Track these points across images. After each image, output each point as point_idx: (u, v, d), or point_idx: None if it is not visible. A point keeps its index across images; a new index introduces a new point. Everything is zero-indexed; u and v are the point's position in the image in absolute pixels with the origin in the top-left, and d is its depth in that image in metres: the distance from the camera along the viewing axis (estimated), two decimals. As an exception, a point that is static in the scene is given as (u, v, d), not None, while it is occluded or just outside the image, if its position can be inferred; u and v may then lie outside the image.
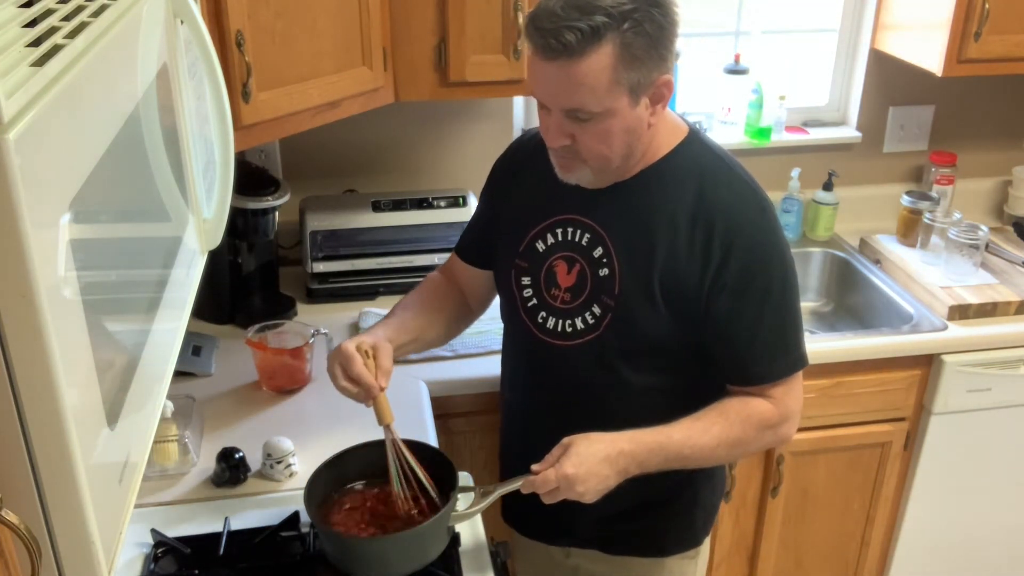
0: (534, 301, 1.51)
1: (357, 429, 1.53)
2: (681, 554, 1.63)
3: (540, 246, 1.50)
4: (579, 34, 1.22)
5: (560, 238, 1.48)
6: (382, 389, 1.38)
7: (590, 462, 1.31)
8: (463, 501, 1.41)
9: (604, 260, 1.43)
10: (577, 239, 1.46)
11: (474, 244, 1.67)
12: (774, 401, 1.43)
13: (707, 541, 1.67)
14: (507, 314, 1.59)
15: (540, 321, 1.50)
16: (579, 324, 1.46)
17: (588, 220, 1.45)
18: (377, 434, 1.43)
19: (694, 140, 1.46)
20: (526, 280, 1.51)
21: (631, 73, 1.27)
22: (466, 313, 1.70)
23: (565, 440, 1.33)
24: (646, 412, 1.39)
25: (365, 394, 1.39)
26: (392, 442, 1.40)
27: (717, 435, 1.39)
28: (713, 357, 1.44)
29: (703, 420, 1.40)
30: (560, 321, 1.48)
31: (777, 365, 1.43)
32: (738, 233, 1.38)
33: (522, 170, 1.57)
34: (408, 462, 1.40)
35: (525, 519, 1.71)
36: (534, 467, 1.33)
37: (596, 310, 1.44)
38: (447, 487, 1.42)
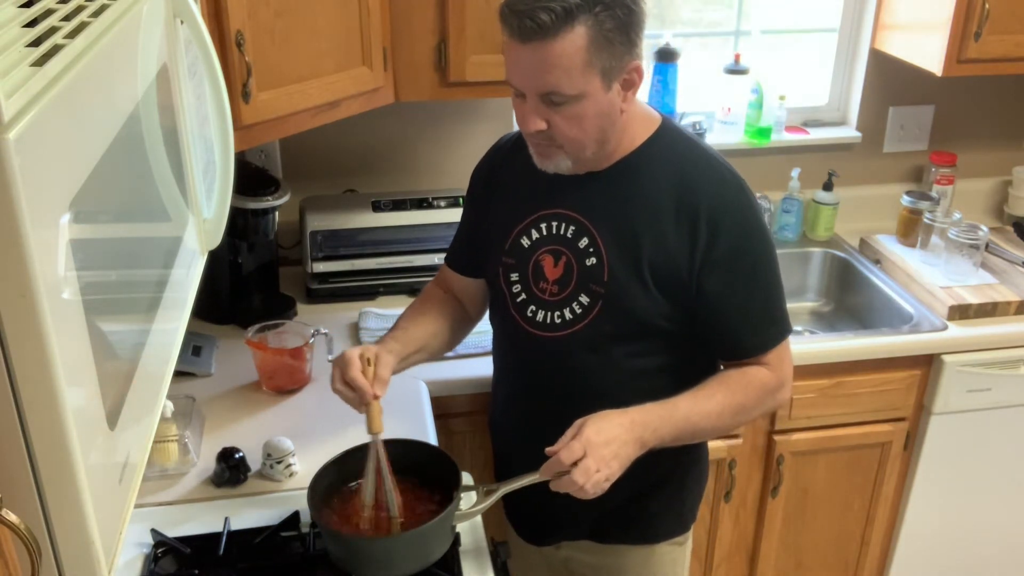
0: (523, 296, 1.53)
1: (357, 429, 1.52)
2: (670, 540, 1.65)
3: (525, 242, 1.52)
4: (553, 15, 1.25)
5: (545, 232, 1.50)
6: (376, 397, 1.40)
7: (608, 427, 1.33)
8: (465, 501, 1.41)
9: (591, 250, 1.46)
10: (562, 232, 1.48)
11: (462, 254, 1.69)
12: (770, 367, 1.48)
13: (692, 527, 1.70)
14: (497, 312, 1.61)
15: (529, 315, 1.52)
16: (567, 314, 1.48)
17: (572, 212, 1.48)
18: (384, 436, 1.43)
19: (668, 128, 1.49)
20: (514, 276, 1.53)
21: (603, 56, 1.30)
22: (466, 320, 1.72)
23: (577, 421, 1.34)
24: (642, 396, 1.41)
25: (357, 400, 1.40)
26: (376, 453, 1.40)
27: (720, 401, 1.43)
28: (706, 334, 1.48)
29: (705, 389, 1.45)
30: (549, 313, 1.50)
31: (768, 335, 1.48)
32: (723, 213, 1.42)
33: (502, 171, 1.60)
34: (385, 476, 1.40)
35: (519, 521, 1.73)
36: (549, 449, 1.33)
37: (584, 299, 1.47)
38: (449, 487, 1.42)
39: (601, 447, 1.30)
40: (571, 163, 1.42)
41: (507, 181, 1.58)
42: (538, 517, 1.68)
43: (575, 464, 1.29)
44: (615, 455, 1.31)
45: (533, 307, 1.52)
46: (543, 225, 1.50)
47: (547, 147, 1.40)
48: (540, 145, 1.41)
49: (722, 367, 1.53)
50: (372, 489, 1.41)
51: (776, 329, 1.49)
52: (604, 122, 1.37)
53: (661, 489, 1.61)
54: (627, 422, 1.35)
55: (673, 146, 1.47)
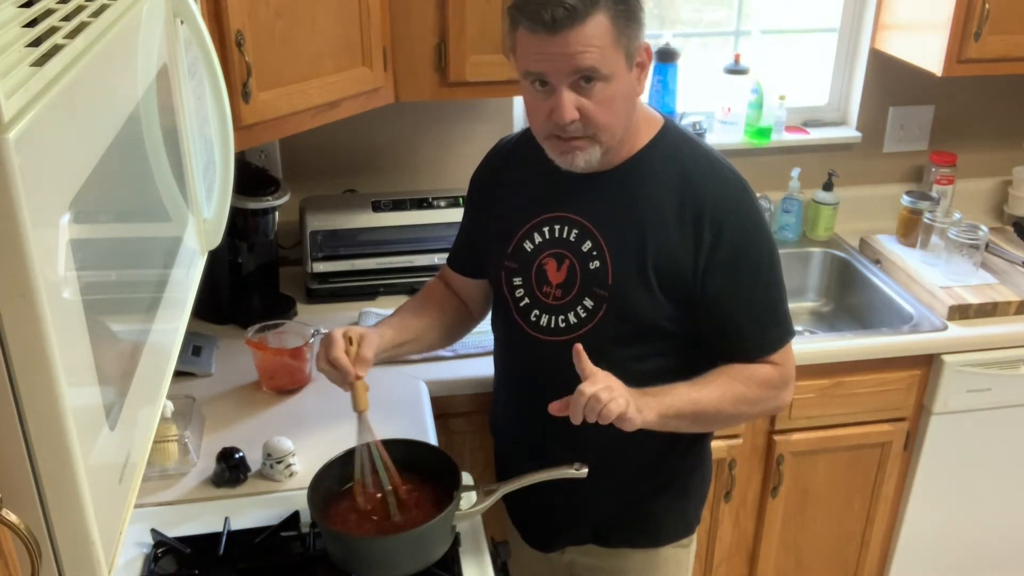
0: (526, 300, 1.52)
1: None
2: (675, 543, 1.65)
3: (528, 246, 1.51)
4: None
5: (548, 236, 1.50)
6: (358, 377, 1.40)
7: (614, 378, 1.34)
8: (465, 500, 1.41)
9: (594, 253, 1.45)
10: (565, 235, 1.48)
11: (463, 256, 1.69)
12: (775, 366, 1.48)
13: (697, 529, 1.70)
14: (500, 317, 1.60)
15: (533, 320, 1.51)
16: (572, 318, 1.48)
17: (574, 216, 1.47)
18: (384, 436, 1.44)
19: (670, 130, 1.49)
20: (517, 280, 1.53)
21: (623, 36, 1.32)
22: (467, 318, 1.72)
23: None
24: None
25: (341, 379, 1.41)
26: (363, 430, 1.41)
27: (721, 385, 1.44)
28: (709, 337, 1.48)
29: (704, 377, 1.45)
30: (552, 318, 1.49)
31: (771, 337, 1.48)
32: (726, 214, 1.42)
33: (502, 175, 1.59)
34: (375, 452, 1.40)
35: (525, 527, 1.72)
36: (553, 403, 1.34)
37: (588, 303, 1.46)
38: (449, 487, 1.42)
39: (608, 378, 1.32)
40: (600, 155, 1.40)
41: (508, 185, 1.57)
42: (543, 522, 1.67)
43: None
44: (621, 387, 1.32)
45: (537, 311, 1.51)
46: (545, 229, 1.50)
47: (578, 140, 1.38)
48: (571, 140, 1.38)
49: None
50: (367, 465, 1.41)
51: (779, 331, 1.49)
52: (629, 104, 1.39)
53: (665, 492, 1.61)
54: (628, 390, 1.36)
55: (676, 148, 1.47)
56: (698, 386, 1.43)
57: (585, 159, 1.40)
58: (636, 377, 1.48)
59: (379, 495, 1.43)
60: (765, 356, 1.48)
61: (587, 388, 1.29)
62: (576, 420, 1.31)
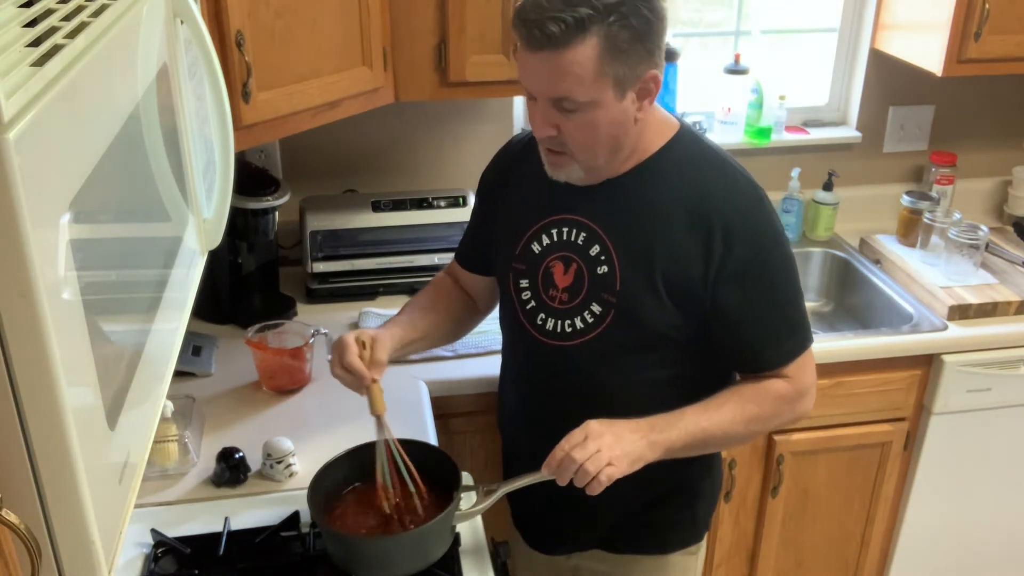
0: (532, 303, 1.51)
1: (357, 429, 1.53)
2: (683, 550, 1.63)
3: (536, 247, 1.50)
4: (563, 25, 1.23)
5: (556, 238, 1.48)
6: (374, 380, 1.40)
7: (615, 424, 1.33)
8: (465, 500, 1.41)
9: (602, 258, 1.44)
10: (573, 238, 1.46)
11: (472, 251, 1.69)
12: (788, 379, 1.44)
13: (706, 536, 1.68)
14: (507, 318, 1.59)
15: (539, 323, 1.50)
16: (578, 323, 1.46)
17: (583, 219, 1.46)
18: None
19: (685, 135, 1.46)
20: (524, 282, 1.52)
21: (617, 65, 1.28)
22: (473, 312, 1.71)
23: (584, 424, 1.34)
24: (653, 407, 1.39)
25: (357, 383, 1.41)
26: (382, 433, 1.41)
27: (732, 410, 1.41)
28: (722, 347, 1.45)
29: (716, 399, 1.42)
30: (559, 322, 1.48)
31: (786, 347, 1.44)
32: (737, 223, 1.39)
33: (513, 173, 1.58)
34: (397, 454, 1.40)
35: (527, 528, 1.71)
36: (545, 467, 1.33)
37: (596, 308, 1.45)
38: (449, 487, 1.42)
39: (604, 434, 1.30)
40: (583, 173, 1.39)
41: (518, 184, 1.56)
42: (547, 526, 1.66)
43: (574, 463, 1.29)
44: (618, 439, 1.31)
45: (543, 315, 1.49)
46: (553, 231, 1.48)
47: (558, 155, 1.38)
48: (551, 152, 1.39)
49: (739, 378, 1.50)
50: (384, 470, 1.41)
51: (794, 341, 1.45)
52: (617, 131, 1.34)
53: (674, 499, 1.59)
54: (632, 424, 1.34)
55: (689, 153, 1.44)
56: (708, 411, 1.40)
57: (565, 173, 1.40)
58: (643, 385, 1.47)
59: (402, 496, 1.42)
60: (778, 367, 1.44)
61: (578, 454, 1.29)
62: (563, 483, 1.31)
